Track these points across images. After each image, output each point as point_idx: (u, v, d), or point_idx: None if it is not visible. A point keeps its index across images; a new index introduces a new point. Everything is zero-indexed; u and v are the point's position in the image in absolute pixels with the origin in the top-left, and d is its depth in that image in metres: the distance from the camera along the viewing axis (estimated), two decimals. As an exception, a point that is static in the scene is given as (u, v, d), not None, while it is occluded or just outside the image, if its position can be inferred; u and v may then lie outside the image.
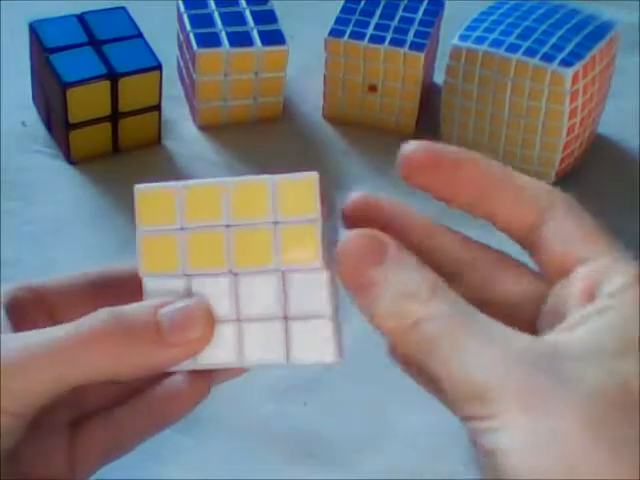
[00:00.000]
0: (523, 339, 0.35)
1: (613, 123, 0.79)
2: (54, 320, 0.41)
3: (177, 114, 0.77)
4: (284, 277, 0.38)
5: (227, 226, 0.38)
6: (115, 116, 0.72)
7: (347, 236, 0.37)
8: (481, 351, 0.34)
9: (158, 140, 0.75)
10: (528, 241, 0.40)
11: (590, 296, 0.35)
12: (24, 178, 0.71)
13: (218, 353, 0.38)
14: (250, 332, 0.38)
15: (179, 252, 0.38)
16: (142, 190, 0.39)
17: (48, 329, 0.38)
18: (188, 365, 0.38)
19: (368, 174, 0.75)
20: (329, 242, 0.39)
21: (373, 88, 0.77)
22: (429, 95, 0.79)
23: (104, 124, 0.72)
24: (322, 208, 0.38)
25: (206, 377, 0.40)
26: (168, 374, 0.40)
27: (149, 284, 0.39)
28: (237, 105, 0.77)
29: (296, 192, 0.38)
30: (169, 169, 0.74)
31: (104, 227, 0.69)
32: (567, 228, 0.38)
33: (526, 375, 0.33)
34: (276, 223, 0.38)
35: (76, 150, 0.72)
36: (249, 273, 0.38)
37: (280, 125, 0.78)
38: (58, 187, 0.71)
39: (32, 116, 0.76)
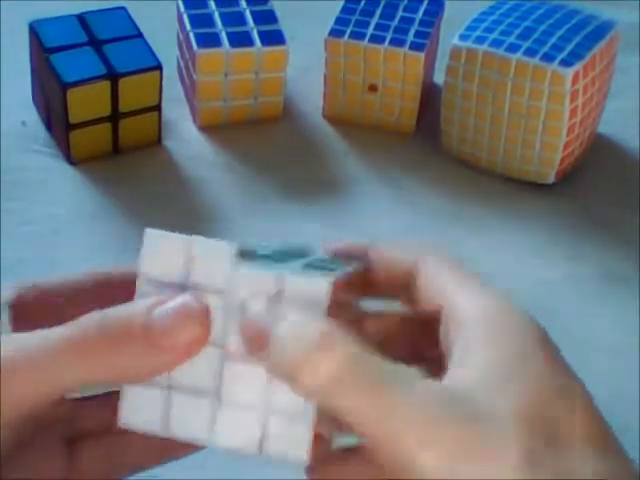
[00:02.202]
0: (428, 386, 0.35)
1: (613, 123, 0.79)
2: (59, 321, 0.41)
3: (177, 114, 0.77)
4: None
5: (227, 305, 0.37)
6: (115, 116, 0.72)
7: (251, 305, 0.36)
8: (391, 399, 0.33)
9: (158, 140, 0.75)
10: (405, 296, 0.40)
11: (458, 331, 0.36)
12: (24, 178, 0.71)
13: (190, 426, 0.37)
14: (226, 415, 0.37)
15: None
16: (152, 237, 0.38)
17: (37, 332, 0.36)
18: (158, 432, 0.37)
19: (368, 174, 0.75)
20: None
21: (373, 88, 0.77)
22: (429, 95, 0.79)
23: (104, 124, 0.72)
24: (331, 311, 0.37)
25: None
26: None
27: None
28: (237, 105, 0.77)
29: (304, 295, 0.36)
30: (169, 169, 0.74)
31: (104, 227, 0.69)
32: (432, 282, 0.39)
33: (446, 425, 0.33)
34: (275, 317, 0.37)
35: (76, 150, 0.72)
36: (239, 355, 0.37)
37: (280, 125, 0.78)
38: (58, 187, 0.71)
39: (32, 116, 0.76)
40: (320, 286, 0.36)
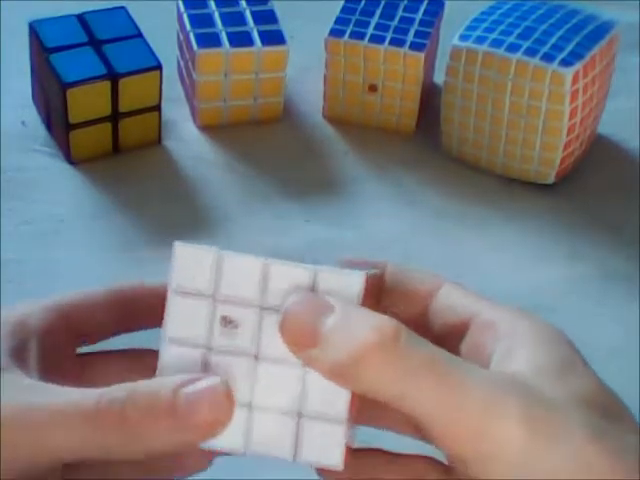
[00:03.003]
0: (490, 373, 0.36)
1: (613, 123, 0.79)
2: (81, 342, 0.41)
3: (177, 114, 0.77)
4: (306, 374, 0.37)
5: (261, 308, 0.37)
6: (115, 116, 0.72)
7: (289, 300, 0.36)
8: (468, 386, 0.34)
9: (158, 140, 0.75)
10: (424, 317, 0.41)
11: (497, 337, 0.38)
12: (24, 178, 0.71)
13: (224, 435, 0.37)
14: (261, 421, 0.37)
15: (207, 321, 0.37)
16: (182, 249, 0.38)
17: (64, 392, 0.36)
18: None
19: (368, 174, 0.75)
20: None
21: (373, 88, 0.77)
22: (429, 95, 0.79)
23: (104, 124, 0.72)
24: (364, 306, 0.37)
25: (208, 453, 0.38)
26: None
27: (166, 352, 0.38)
28: (237, 105, 0.77)
29: (338, 288, 0.36)
30: (169, 169, 0.74)
31: (104, 227, 0.69)
32: (454, 297, 0.40)
33: (519, 406, 0.34)
34: None
35: (76, 150, 0.72)
36: (272, 361, 0.37)
37: (280, 125, 0.78)
38: (58, 187, 0.71)
39: (32, 116, 0.76)
40: (354, 280, 0.37)
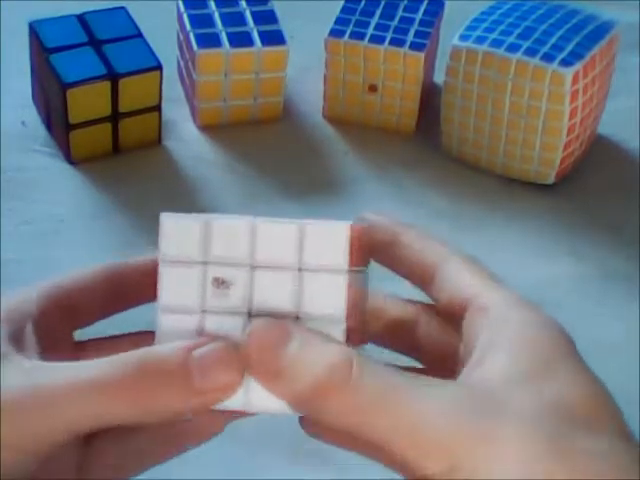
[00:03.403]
0: (452, 389, 0.36)
1: (613, 123, 0.79)
2: (76, 325, 0.41)
3: (177, 114, 0.77)
4: (299, 324, 0.37)
5: (251, 267, 0.37)
6: (115, 116, 0.72)
7: (249, 328, 0.36)
8: (420, 407, 0.34)
9: (158, 140, 0.75)
10: (429, 288, 0.41)
11: (484, 325, 0.37)
12: (24, 178, 0.71)
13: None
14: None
15: (199, 286, 0.38)
16: (166, 219, 0.38)
17: (70, 367, 0.36)
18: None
19: (368, 174, 0.75)
20: (360, 284, 0.39)
21: (373, 88, 0.77)
22: (429, 95, 0.79)
23: (104, 124, 0.72)
24: (352, 258, 0.37)
25: (224, 413, 0.38)
26: None
27: (163, 319, 0.38)
28: (237, 105, 0.77)
29: (326, 241, 0.37)
30: (169, 169, 0.74)
31: (104, 227, 0.69)
32: (458, 274, 0.40)
33: (473, 421, 0.34)
34: (301, 270, 0.37)
35: (76, 150, 0.72)
36: (265, 316, 0.37)
37: (280, 125, 0.78)
38: (58, 187, 0.71)
39: (32, 116, 0.76)
40: (340, 230, 0.37)
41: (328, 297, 0.37)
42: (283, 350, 0.36)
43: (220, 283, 0.38)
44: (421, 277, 0.41)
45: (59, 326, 0.40)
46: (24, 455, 0.36)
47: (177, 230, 0.38)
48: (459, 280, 0.40)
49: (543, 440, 0.33)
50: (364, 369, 0.35)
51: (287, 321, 0.36)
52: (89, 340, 0.42)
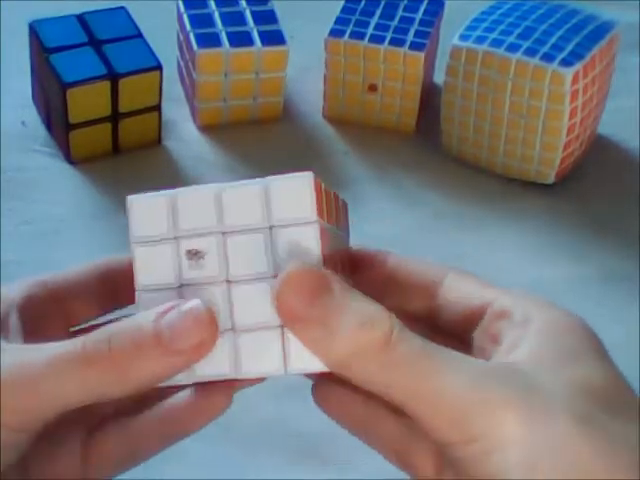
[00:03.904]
0: (482, 362, 0.36)
1: (613, 123, 0.79)
2: (67, 318, 0.41)
3: (177, 114, 0.77)
4: None
5: (222, 233, 0.37)
6: (115, 116, 0.72)
7: (286, 271, 0.36)
8: (451, 374, 0.35)
9: (158, 140, 0.75)
10: (431, 307, 0.41)
11: (512, 326, 0.38)
12: (24, 178, 0.71)
13: (213, 365, 0.37)
14: (246, 342, 0.37)
15: (174, 262, 0.38)
16: (134, 200, 0.39)
17: (51, 345, 0.37)
18: (182, 380, 0.38)
19: (368, 174, 0.75)
20: (336, 244, 0.39)
21: (373, 88, 0.77)
22: (429, 95, 0.79)
23: (104, 124, 0.72)
24: (320, 207, 0.37)
25: (224, 390, 0.39)
26: (171, 390, 0.39)
27: (143, 298, 0.38)
28: (237, 105, 0.77)
29: (291, 194, 0.37)
30: (169, 169, 0.74)
31: (104, 227, 0.69)
32: (464, 286, 0.40)
33: (503, 392, 0.35)
34: (272, 228, 0.37)
35: (76, 150, 0.72)
36: (244, 281, 0.37)
37: (280, 125, 0.78)
38: (58, 187, 0.71)
39: (32, 116, 0.76)
40: (304, 180, 0.37)
41: (303, 250, 0.37)
42: (322, 299, 0.35)
43: (194, 254, 0.38)
44: (422, 294, 0.41)
45: (49, 314, 0.41)
46: (15, 433, 0.36)
47: (144, 209, 0.39)
48: (467, 290, 0.40)
49: (570, 417, 0.34)
50: (402, 331, 0.35)
51: (324, 269, 0.36)
52: (82, 329, 0.42)
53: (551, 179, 0.74)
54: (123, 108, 0.72)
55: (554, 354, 0.36)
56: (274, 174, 0.37)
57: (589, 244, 0.71)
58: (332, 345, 0.35)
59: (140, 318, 0.37)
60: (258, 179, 0.37)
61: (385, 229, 0.71)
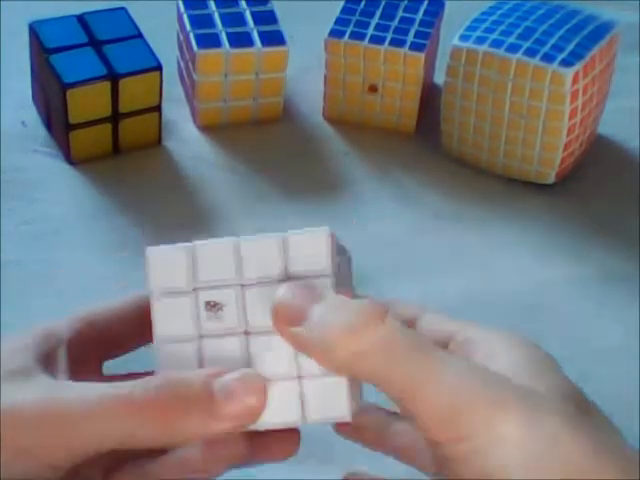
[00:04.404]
0: (473, 363, 0.37)
1: (613, 123, 0.79)
2: (106, 354, 0.42)
3: (177, 115, 0.77)
4: None
5: (241, 285, 0.38)
6: (115, 117, 0.72)
7: (282, 289, 0.37)
8: (443, 374, 0.35)
9: (158, 141, 0.75)
10: None
11: (477, 350, 0.39)
12: (24, 178, 0.71)
13: None
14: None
15: (192, 314, 0.38)
16: (152, 252, 0.39)
17: (98, 385, 0.37)
18: None
19: (368, 174, 0.75)
20: (345, 285, 0.39)
21: (373, 88, 0.77)
22: (429, 95, 0.79)
23: (104, 125, 0.72)
24: (334, 260, 0.38)
25: (240, 440, 0.39)
26: None
27: (162, 349, 0.38)
28: (237, 105, 0.77)
29: (308, 248, 0.38)
30: (169, 170, 0.74)
31: (104, 227, 0.69)
32: (436, 320, 0.42)
33: (491, 392, 0.35)
34: (289, 280, 0.37)
35: (76, 150, 0.72)
36: (262, 332, 0.38)
37: (280, 125, 0.78)
38: (58, 187, 0.71)
39: (32, 116, 0.76)
40: (321, 235, 0.38)
41: None
42: (315, 305, 0.36)
43: (212, 306, 0.38)
44: None
45: (90, 354, 0.41)
46: (47, 469, 0.36)
47: (163, 262, 0.38)
48: (438, 324, 0.42)
49: (559, 419, 0.35)
50: (398, 323, 0.36)
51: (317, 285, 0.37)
52: (114, 375, 0.42)
53: (551, 179, 0.74)
54: (123, 108, 0.72)
55: (529, 366, 0.38)
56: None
57: (589, 244, 0.71)
58: (330, 349, 0.36)
59: (192, 375, 0.37)
60: (276, 233, 0.38)
61: (385, 229, 0.71)
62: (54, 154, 0.73)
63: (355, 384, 0.39)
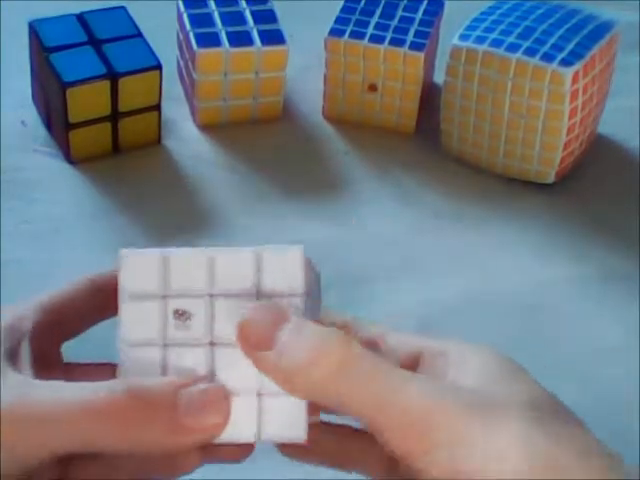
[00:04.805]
0: (437, 380, 0.38)
1: (613, 123, 0.79)
2: (63, 337, 0.41)
3: (177, 114, 0.77)
4: None
5: (210, 296, 0.38)
6: (115, 116, 0.72)
7: (249, 309, 0.37)
8: (409, 388, 0.36)
9: (158, 140, 0.75)
10: None
11: (448, 363, 0.40)
12: (24, 177, 0.71)
13: None
14: None
15: (160, 320, 0.38)
16: (127, 255, 0.39)
17: (66, 390, 0.36)
18: None
19: (368, 174, 0.75)
20: (314, 302, 0.39)
21: (373, 88, 0.77)
22: (429, 95, 0.79)
23: (104, 124, 0.72)
24: (307, 280, 0.38)
25: (196, 452, 0.38)
26: None
27: (125, 352, 0.38)
28: (237, 105, 0.77)
29: (282, 265, 0.38)
30: (169, 169, 0.74)
31: (104, 227, 0.69)
32: (404, 336, 0.43)
33: (460, 402, 0.36)
34: (259, 295, 0.38)
35: (76, 150, 0.72)
36: (227, 345, 0.38)
37: (280, 125, 0.78)
38: (58, 187, 0.71)
39: (32, 116, 0.76)
40: (296, 254, 0.38)
41: None
42: (280, 327, 0.37)
43: (180, 315, 0.38)
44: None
45: (50, 341, 0.41)
46: (8, 470, 0.36)
47: (137, 265, 0.38)
48: (404, 339, 0.42)
49: (522, 423, 0.35)
50: (358, 349, 0.37)
51: (283, 307, 0.37)
52: (76, 364, 0.42)
53: (551, 179, 0.74)
54: (123, 107, 0.72)
55: (497, 376, 0.38)
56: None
57: (589, 244, 0.71)
58: (291, 377, 0.36)
59: (156, 384, 0.37)
60: (250, 247, 0.38)
61: (385, 229, 0.71)
62: (54, 153, 0.73)
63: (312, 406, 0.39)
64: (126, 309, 0.38)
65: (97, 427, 0.35)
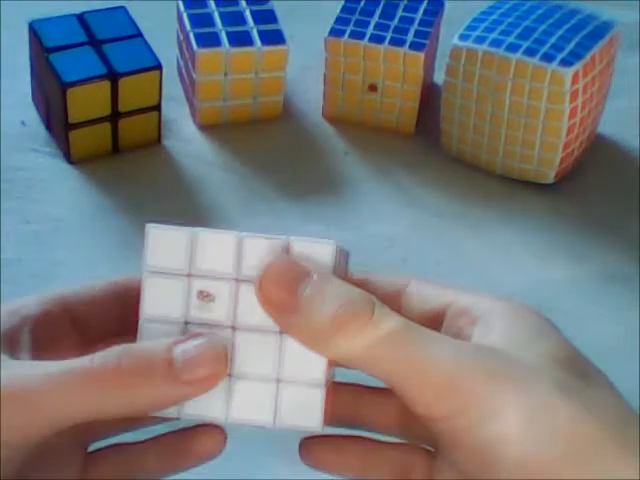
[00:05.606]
0: (462, 341, 0.38)
1: (613, 123, 0.79)
2: (81, 337, 0.41)
3: (177, 114, 0.77)
4: (283, 340, 0.38)
5: (236, 280, 0.38)
6: (115, 116, 0.72)
7: (267, 262, 0.37)
8: (436, 350, 0.36)
9: (158, 140, 0.75)
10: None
11: (473, 321, 0.39)
12: (24, 178, 0.71)
13: (204, 406, 0.38)
14: (240, 390, 0.38)
15: (183, 299, 0.38)
16: (153, 229, 0.39)
17: (56, 362, 0.37)
18: (172, 413, 0.38)
19: (368, 174, 0.75)
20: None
21: (373, 88, 0.77)
22: (429, 95, 0.79)
23: (104, 124, 0.72)
24: (335, 274, 0.38)
25: (215, 436, 0.39)
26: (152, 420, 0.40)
27: (146, 328, 0.38)
28: (237, 105, 0.77)
29: (312, 254, 0.38)
30: (169, 169, 0.74)
31: (104, 227, 0.69)
32: (425, 291, 0.42)
33: (486, 365, 0.36)
34: None
35: (76, 150, 0.72)
36: (249, 330, 0.38)
37: (280, 125, 0.78)
38: (58, 187, 0.71)
39: (32, 116, 0.76)
40: (326, 248, 0.37)
41: None
42: (302, 285, 0.36)
43: (205, 296, 0.38)
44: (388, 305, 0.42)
45: (64, 333, 0.41)
46: (11, 450, 0.36)
47: (163, 241, 0.38)
48: (427, 294, 0.42)
49: (550, 386, 0.35)
50: (384, 310, 0.36)
51: (305, 261, 0.37)
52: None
53: (551, 179, 0.74)
54: (123, 108, 0.72)
55: (522, 334, 0.38)
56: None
57: (589, 244, 0.71)
58: (317, 330, 0.36)
59: (153, 343, 0.37)
60: (282, 236, 0.38)
61: (385, 229, 0.71)
62: (54, 154, 0.73)
63: (331, 394, 0.39)
64: (150, 284, 0.38)
65: (96, 392, 0.36)
